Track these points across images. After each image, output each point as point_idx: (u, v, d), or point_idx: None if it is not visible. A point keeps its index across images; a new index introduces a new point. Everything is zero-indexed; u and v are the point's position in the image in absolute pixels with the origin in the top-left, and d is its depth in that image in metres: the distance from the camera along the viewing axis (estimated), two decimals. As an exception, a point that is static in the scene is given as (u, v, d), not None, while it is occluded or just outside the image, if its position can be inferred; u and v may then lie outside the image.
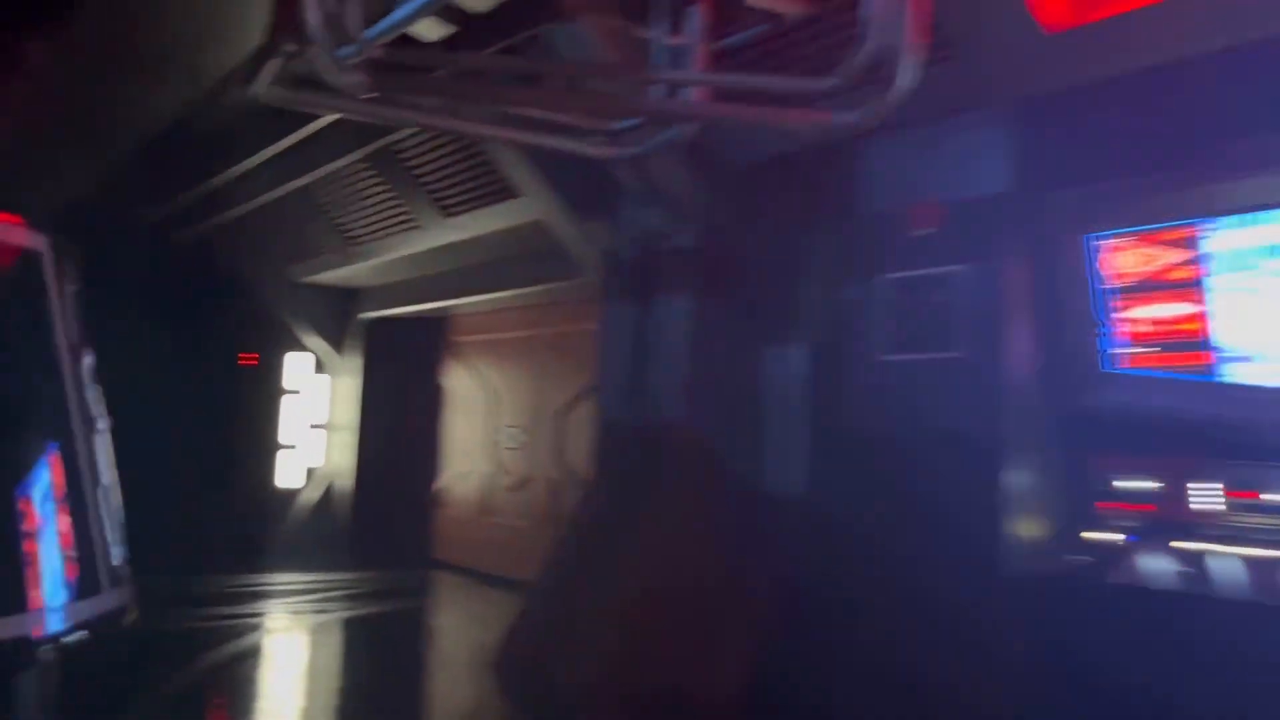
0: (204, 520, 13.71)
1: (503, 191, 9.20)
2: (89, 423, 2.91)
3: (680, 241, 7.36)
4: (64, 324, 2.91)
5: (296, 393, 14.23)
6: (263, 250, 13.46)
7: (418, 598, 11.45)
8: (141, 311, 14.06)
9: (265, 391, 14.27)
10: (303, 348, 14.27)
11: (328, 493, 14.16)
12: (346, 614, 10.05)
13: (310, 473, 14.23)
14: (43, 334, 2.74)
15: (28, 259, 2.75)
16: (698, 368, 7.25)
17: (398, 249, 11.38)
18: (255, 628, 9.35)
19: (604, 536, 7.27)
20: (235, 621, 9.45)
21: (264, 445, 14.12)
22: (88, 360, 2.89)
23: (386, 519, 13.89)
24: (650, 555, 6.88)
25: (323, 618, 9.89)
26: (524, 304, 11.96)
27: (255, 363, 14.85)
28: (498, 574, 11.91)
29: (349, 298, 14.12)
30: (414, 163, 9.88)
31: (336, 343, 14.28)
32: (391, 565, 12.90)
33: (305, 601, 10.79)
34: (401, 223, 10.90)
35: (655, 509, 7.13)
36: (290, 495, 14.09)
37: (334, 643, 9.24)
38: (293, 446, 14.16)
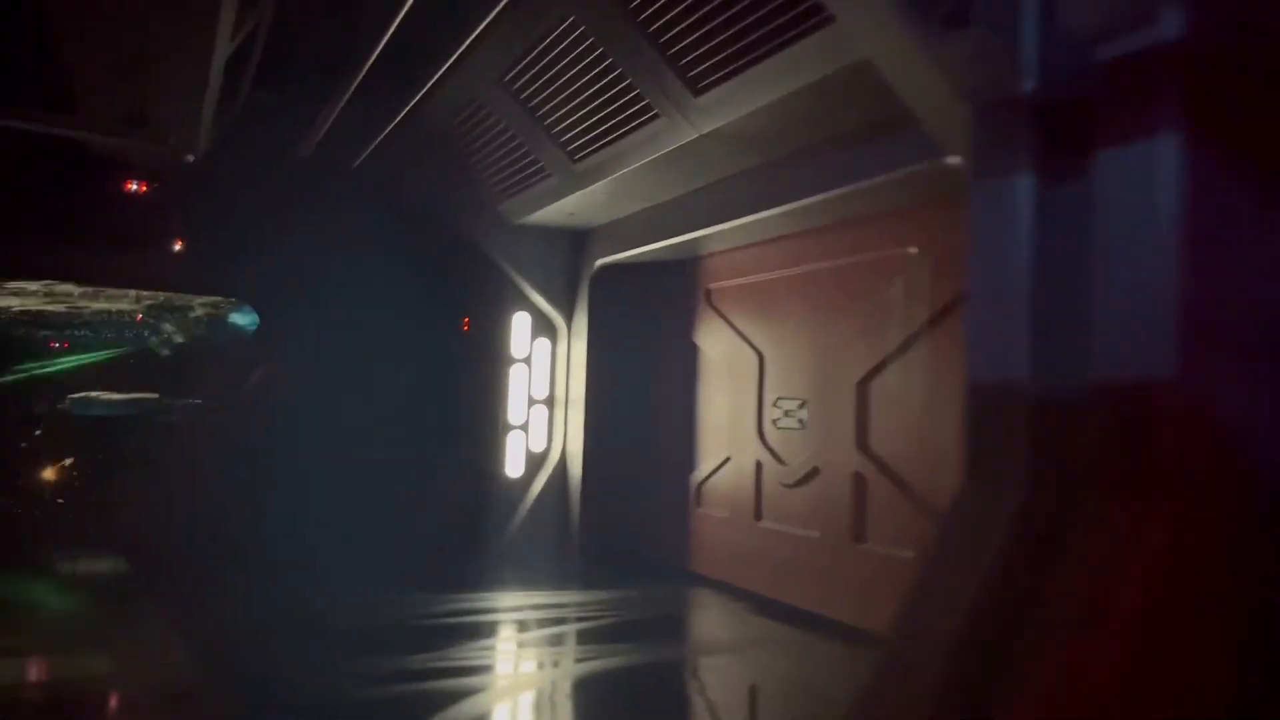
0: (411, 522, 11.38)
1: (788, 25, 5.95)
2: None
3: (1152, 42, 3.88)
4: None
5: (523, 361, 11.60)
6: (468, 185, 10.86)
7: (698, 639, 8.49)
8: (334, 267, 11.87)
9: (484, 361, 11.75)
10: (524, 307, 11.61)
11: (554, 484, 11.45)
12: (608, 659, 7.13)
13: (534, 459, 11.58)
14: None
15: None
16: (1197, 292, 3.82)
17: (633, 156, 8.38)
18: (479, 686, 6.57)
19: (1018, 555, 4.06)
20: (449, 677, 6.72)
21: (486, 426, 11.59)
22: None
23: (626, 519, 11.05)
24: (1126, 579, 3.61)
25: (580, 666, 7.06)
26: (808, 226, 8.70)
27: (467, 328, 12.37)
28: (777, 599, 8.77)
29: (578, 241, 11.32)
30: (646, 12, 6.83)
31: (563, 298, 11.52)
32: (636, 579, 10.02)
33: (541, 635, 8.06)
34: (635, 114, 7.88)
35: (1111, 516, 3.87)
36: (515, 487, 11.49)
37: (608, 711, 6.31)
38: (521, 427, 11.55)
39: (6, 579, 10.03)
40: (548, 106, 8.73)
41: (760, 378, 9.41)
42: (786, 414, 8.96)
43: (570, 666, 7.06)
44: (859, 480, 8.00)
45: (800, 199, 7.71)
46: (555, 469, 11.44)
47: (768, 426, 9.25)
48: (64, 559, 11.11)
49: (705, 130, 7.43)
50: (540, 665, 7.20)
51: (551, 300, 11.50)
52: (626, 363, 11.32)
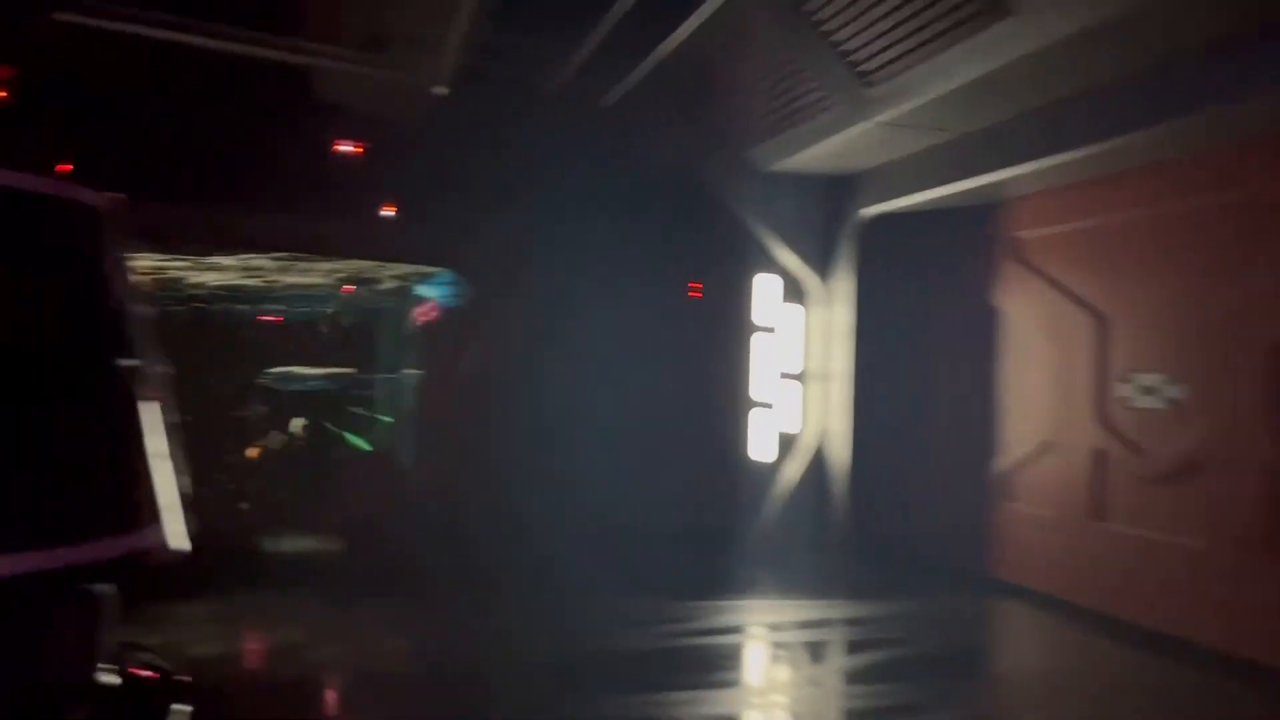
0: (642, 513, 10.09)
1: None
2: (136, 370, 2.75)
3: None
4: (116, 276, 2.80)
5: (769, 330, 10.11)
6: (717, 128, 9.40)
7: (1051, 677, 6.87)
8: (560, 229, 10.62)
9: (725, 330, 10.32)
10: (770, 268, 10.11)
11: (812, 471, 9.94)
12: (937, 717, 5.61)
13: (787, 442, 10.10)
14: (93, 285, 2.71)
15: (80, 213, 2.65)
16: None
17: (943, 77, 6.74)
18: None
19: None
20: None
21: (728, 405, 10.18)
22: (141, 310, 2.77)
23: (902, 513, 9.45)
24: None
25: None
26: (1147, 161, 6.89)
27: (700, 293, 10.95)
28: (1129, 620, 7.05)
29: (839, 189, 9.71)
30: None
31: (818, 257, 9.96)
32: (923, 586, 8.45)
33: (831, 668, 6.62)
34: (951, 25, 6.23)
35: None
36: (764, 473, 10.05)
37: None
38: (768, 405, 10.08)
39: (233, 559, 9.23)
40: (841, 25, 7.17)
41: (1099, 346, 7.63)
42: (1146, 391, 7.16)
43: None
44: (1273, 477, 6.17)
45: (1166, 120, 5.92)
46: (813, 452, 9.93)
47: (1113, 406, 7.46)
48: (282, 539, 10.44)
49: (1052, 36, 5.72)
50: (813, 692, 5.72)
51: (805, 259, 9.94)
52: (899, 330, 9.69)
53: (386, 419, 14.39)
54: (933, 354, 9.52)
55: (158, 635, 5.88)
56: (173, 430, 3.07)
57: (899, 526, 9.43)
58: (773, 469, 10.04)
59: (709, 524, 10.00)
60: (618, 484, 10.16)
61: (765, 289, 10.11)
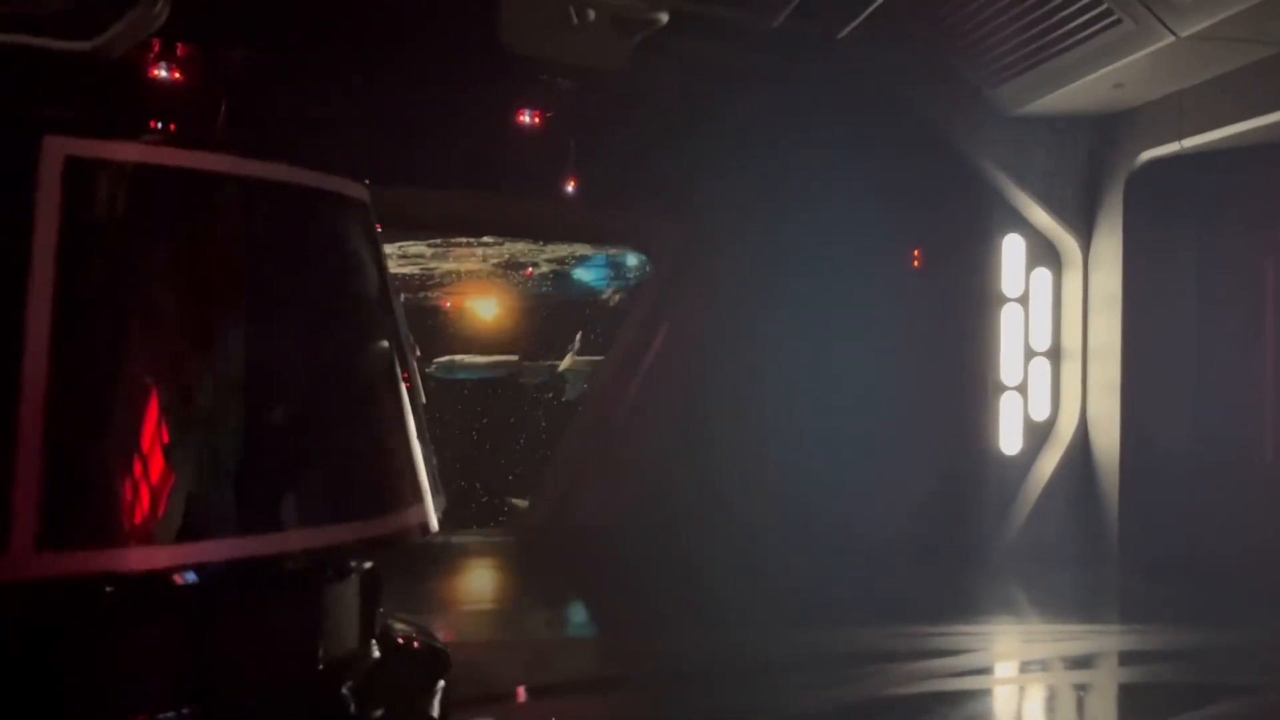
0: (872, 514, 8.80)
1: None
2: (407, 354, 2.99)
3: None
4: (381, 264, 3.07)
5: (1017, 301, 8.66)
6: (957, 65, 8.00)
7: None
8: (764, 196, 9.40)
9: (963, 302, 8.91)
10: (1017, 228, 8.66)
11: (1072, 465, 8.45)
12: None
13: (1038, 431, 8.63)
14: (379, 275, 2.99)
15: (354, 206, 2.85)
16: None
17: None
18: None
19: None
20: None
21: (968, 389, 8.78)
22: (402, 297, 3.23)
23: (1200, 518, 7.90)
24: None
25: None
26: None
27: (918, 262, 9.54)
28: None
29: (1106, 131, 8.17)
30: None
31: (1076, 213, 8.44)
32: (1249, 611, 6.90)
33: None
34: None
35: None
36: (1012, 467, 8.62)
37: None
38: (1013, 387, 8.64)
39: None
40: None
41: None
42: None
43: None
44: None
45: None
46: (1072, 444, 8.43)
47: None
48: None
49: None
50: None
51: (1059, 216, 8.44)
52: (1179, 296, 8.16)
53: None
54: (1225, 325, 7.92)
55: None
56: (423, 412, 3.12)
57: (1187, 533, 7.88)
58: (1022, 463, 8.59)
59: (947, 530, 8.63)
60: (838, 485, 8.90)
61: (1012, 253, 8.66)
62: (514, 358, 17.01)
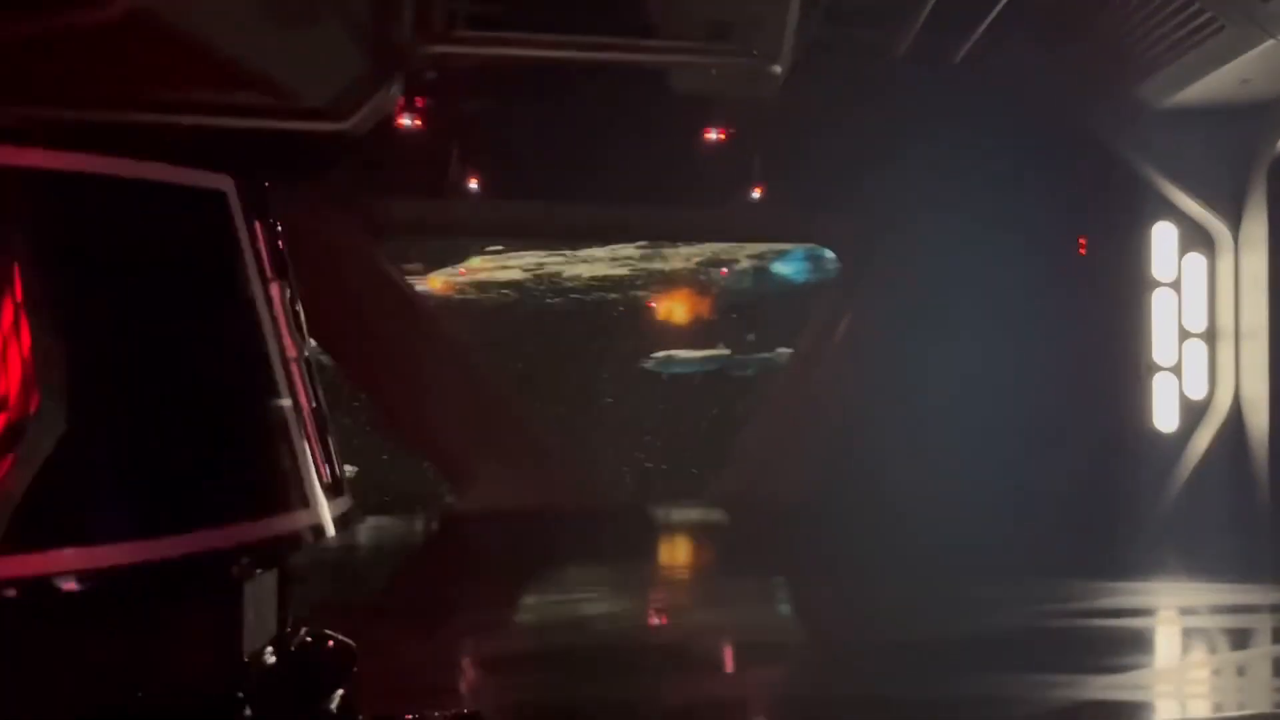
0: (1029, 490, 9.40)
1: None
2: (283, 350, 2.94)
3: None
4: (255, 258, 2.91)
5: (1170, 285, 9.09)
6: (1093, 66, 8.54)
7: None
8: (925, 189, 10.14)
9: (1115, 286, 9.40)
10: (1167, 215, 9.06)
11: (1227, 442, 8.80)
12: None
13: (1193, 410, 9.02)
14: (232, 270, 2.85)
15: (205, 199, 2.80)
16: None
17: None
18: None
19: None
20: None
21: (1126, 368, 9.27)
22: (286, 291, 2.90)
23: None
24: None
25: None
26: None
27: (1084, 250, 10.04)
28: None
29: (1251, 120, 8.48)
30: None
31: (1226, 200, 8.77)
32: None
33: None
34: None
35: None
36: (1168, 445, 9.05)
37: None
38: (1168, 369, 9.08)
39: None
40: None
41: None
42: None
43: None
44: None
45: None
46: (1226, 422, 8.80)
47: None
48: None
49: None
50: None
51: (1209, 203, 8.81)
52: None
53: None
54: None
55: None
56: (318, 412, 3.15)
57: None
58: (1178, 440, 9.02)
59: (1106, 501, 9.16)
60: (1003, 459, 9.57)
61: (1163, 240, 9.09)
62: (725, 351, 18.06)
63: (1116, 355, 9.40)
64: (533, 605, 7.52)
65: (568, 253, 19.90)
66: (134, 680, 2.53)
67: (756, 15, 7.83)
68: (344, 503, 3.12)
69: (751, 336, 18.41)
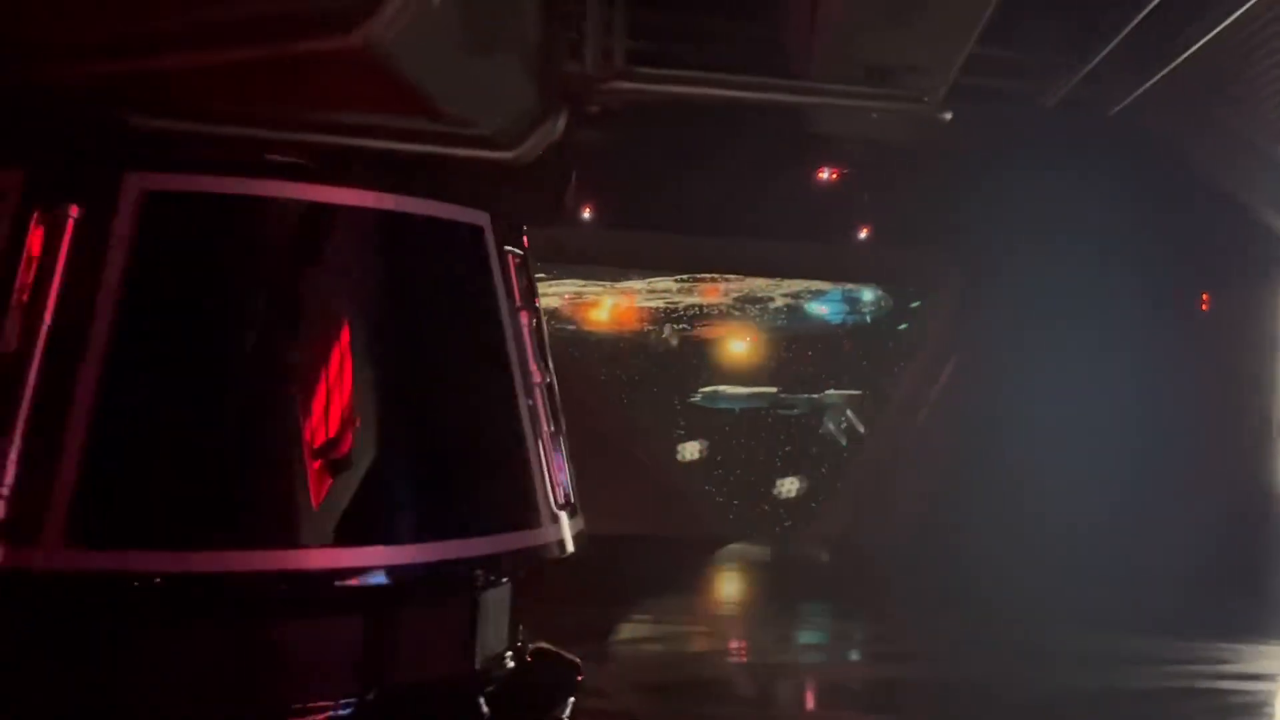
0: (1150, 551, 9.32)
1: None
2: (533, 375, 3.09)
3: None
4: (507, 288, 3.19)
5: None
6: (1236, 122, 8.56)
7: None
8: (1043, 238, 10.11)
9: (1244, 345, 9.38)
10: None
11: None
12: None
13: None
14: (490, 300, 3.05)
15: (470, 234, 3.07)
16: None
17: None
18: None
19: None
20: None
21: (1251, 428, 9.23)
22: (533, 320, 3.11)
23: None
24: None
25: None
26: None
27: (1206, 306, 10.02)
28: None
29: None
30: None
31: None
32: None
33: None
34: None
35: None
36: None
37: None
38: (1299, 431, 9.05)
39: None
40: None
41: None
42: None
43: None
44: None
45: None
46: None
47: None
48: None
49: None
50: None
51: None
52: None
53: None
54: None
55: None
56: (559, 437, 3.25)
57: None
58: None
59: (1232, 562, 9.08)
60: (1117, 517, 9.49)
61: (1291, 298, 9.10)
62: (772, 389, 17.99)
63: (1241, 413, 9.36)
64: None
65: (607, 283, 19.82)
66: (395, 665, 2.76)
67: (920, 60, 7.77)
68: (579, 521, 3.26)
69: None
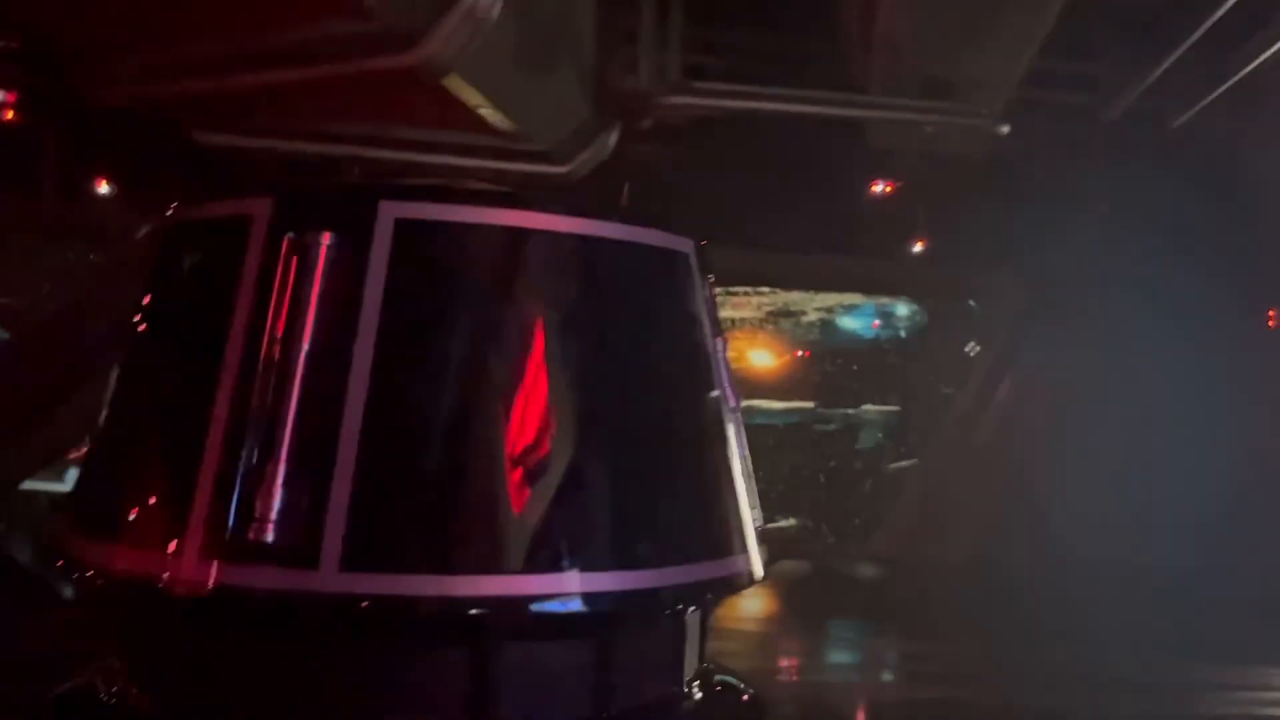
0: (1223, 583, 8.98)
1: None
2: (725, 401, 3.10)
3: None
4: (710, 315, 3.13)
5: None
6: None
7: None
8: (1101, 254, 9.90)
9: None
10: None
11: None
12: None
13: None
14: (696, 326, 3.04)
15: (675, 260, 3.03)
16: None
17: None
18: None
19: None
20: None
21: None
22: (723, 346, 3.11)
23: None
24: None
25: None
26: None
27: (1273, 323, 9.77)
28: None
29: None
30: None
31: None
32: None
33: None
34: None
35: None
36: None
37: None
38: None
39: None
40: None
41: None
42: None
43: None
44: None
45: None
46: None
47: None
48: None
49: None
50: None
51: None
52: None
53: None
54: None
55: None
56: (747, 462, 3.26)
57: None
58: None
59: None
60: (1183, 540, 9.20)
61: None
62: (809, 404, 17.80)
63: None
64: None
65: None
66: (592, 695, 2.69)
67: (980, 74, 7.69)
68: (766, 550, 3.21)
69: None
